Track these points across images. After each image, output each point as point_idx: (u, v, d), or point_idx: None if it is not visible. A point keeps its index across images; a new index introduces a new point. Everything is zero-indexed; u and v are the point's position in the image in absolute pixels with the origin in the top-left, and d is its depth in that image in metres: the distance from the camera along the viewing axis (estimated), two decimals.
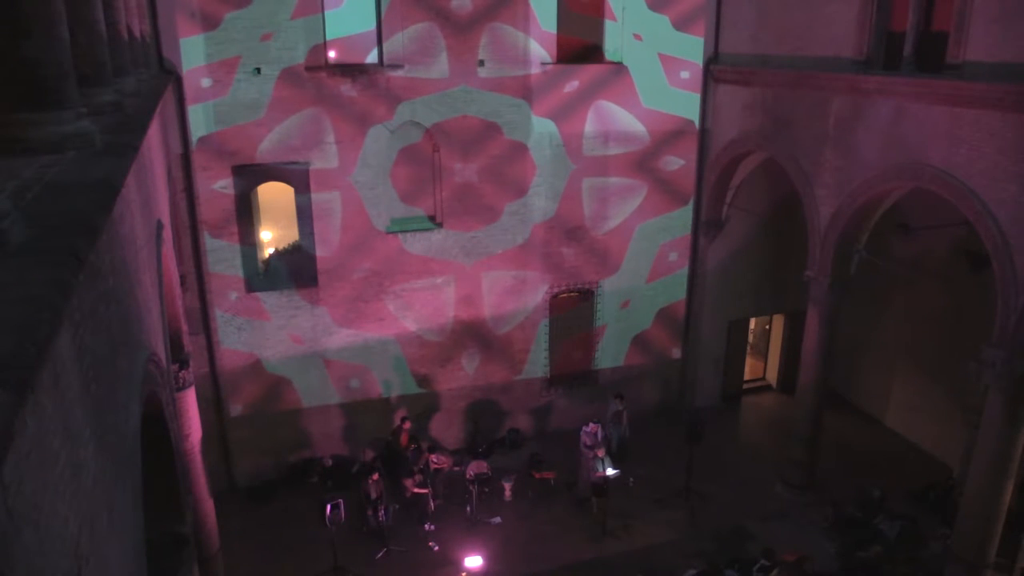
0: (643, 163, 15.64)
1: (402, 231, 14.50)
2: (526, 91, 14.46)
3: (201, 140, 12.84)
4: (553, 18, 14.30)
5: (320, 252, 14.08)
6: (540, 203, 15.22)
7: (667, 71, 15.23)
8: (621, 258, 16.18)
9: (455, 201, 14.65)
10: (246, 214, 13.56)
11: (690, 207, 16.30)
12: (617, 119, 15.20)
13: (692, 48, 15.26)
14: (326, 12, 13.14)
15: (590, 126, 15.08)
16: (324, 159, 13.63)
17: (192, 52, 12.45)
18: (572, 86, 14.73)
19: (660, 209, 16.11)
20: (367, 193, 14.04)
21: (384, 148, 13.98)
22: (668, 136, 15.61)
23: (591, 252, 15.93)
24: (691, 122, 15.65)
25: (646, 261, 16.37)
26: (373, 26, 13.63)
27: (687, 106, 15.57)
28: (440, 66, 13.80)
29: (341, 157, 13.72)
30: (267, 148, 13.25)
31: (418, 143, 14.36)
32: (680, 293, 16.94)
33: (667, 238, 16.38)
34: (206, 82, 12.63)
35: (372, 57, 13.82)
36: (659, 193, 15.99)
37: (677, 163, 15.89)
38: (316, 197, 13.78)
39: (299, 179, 13.66)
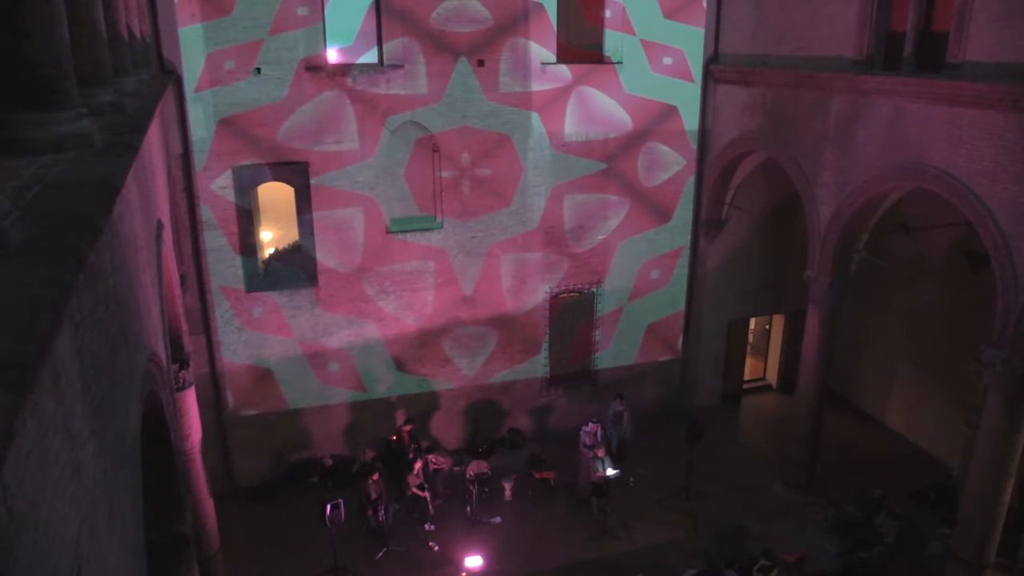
0: (640, 169, 15.64)
1: (402, 231, 14.50)
2: (525, 90, 14.45)
3: (200, 140, 12.85)
4: (553, 21, 14.32)
5: (320, 252, 14.08)
6: (539, 203, 15.22)
7: (664, 66, 15.22)
8: (614, 263, 16.23)
9: (455, 201, 14.65)
10: (246, 214, 13.55)
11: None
12: (614, 117, 15.20)
13: (687, 38, 15.20)
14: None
15: (588, 128, 15.05)
16: (322, 160, 13.62)
17: (192, 46, 12.44)
18: (571, 87, 14.73)
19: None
20: (367, 193, 14.04)
21: (384, 148, 13.98)
22: (665, 135, 15.59)
23: (590, 253, 15.94)
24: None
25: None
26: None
27: (684, 101, 15.54)
28: (440, 65, 13.81)
29: (339, 157, 13.71)
30: (265, 149, 13.25)
31: (418, 143, 14.35)
32: (673, 305, 16.95)
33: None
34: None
35: (372, 57, 13.85)
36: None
37: (678, 162, 15.89)
38: (316, 197, 13.78)
39: (299, 179, 13.66)
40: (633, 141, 15.44)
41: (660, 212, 16.15)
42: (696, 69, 15.44)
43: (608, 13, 14.78)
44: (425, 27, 13.55)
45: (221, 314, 13.83)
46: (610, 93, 15.02)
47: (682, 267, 16.75)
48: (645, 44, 14.98)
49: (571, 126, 14.97)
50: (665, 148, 15.74)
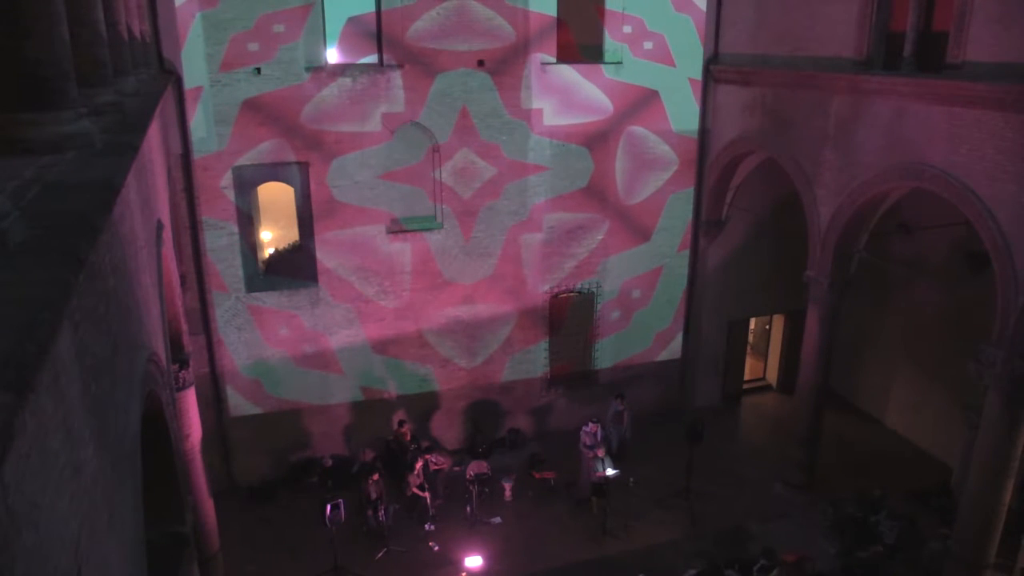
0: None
1: (402, 231, 14.50)
2: (525, 90, 14.45)
3: (200, 140, 12.85)
4: (553, 13, 14.32)
5: (320, 252, 14.08)
6: (539, 204, 15.21)
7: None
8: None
9: (455, 202, 14.64)
10: (246, 214, 13.55)
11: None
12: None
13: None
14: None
15: (576, 116, 14.93)
16: (322, 159, 13.62)
17: (193, 45, 12.45)
18: (573, 88, 14.73)
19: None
20: (367, 193, 14.03)
21: (384, 148, 13.97)
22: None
23: (590, 255, 15.94)
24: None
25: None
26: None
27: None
28: (441, 64, 13.80)
29: (340, 157, 13.70)
30: (266, 150, 13.25)
31: (417, 143, 14.34)
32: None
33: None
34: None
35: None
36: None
37: (668, 158, 15.87)
38: (315, 196, 13.78)
39: (298, 179, 13.66)
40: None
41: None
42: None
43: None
44: (428, 30, 13.57)
45: (221, 314, 13.83)
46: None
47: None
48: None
49: (564, 117, 14.84)
50: (653, 143, 15.52)
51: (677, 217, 16.34)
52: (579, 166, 15.24)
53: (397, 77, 13.62)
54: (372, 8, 13.51)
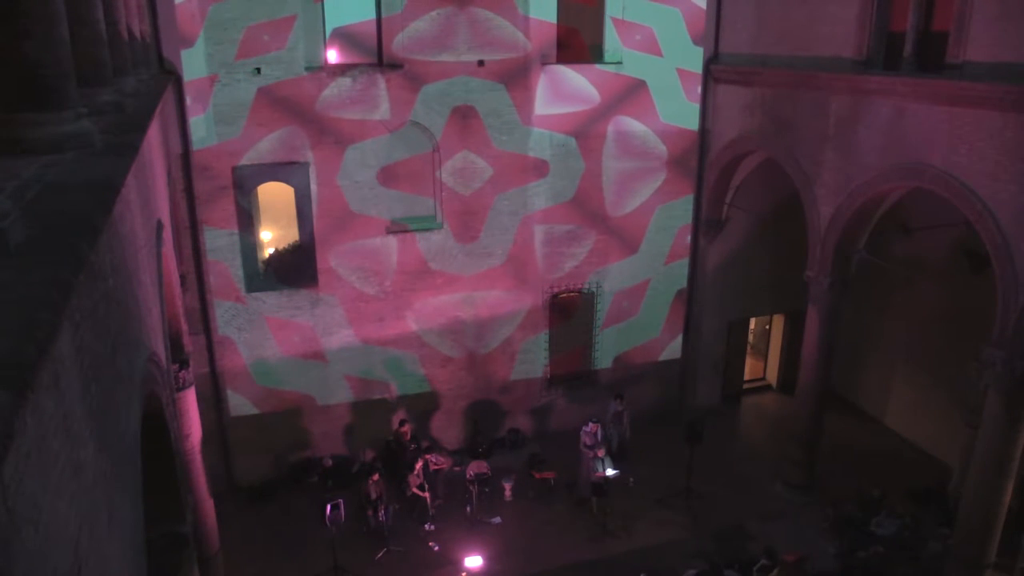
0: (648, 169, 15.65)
1: (403, 232, 14.50)
2: (525, 90, 14.45)
3: (199, 140, 12.85)
4: (553, 13, 14.33)
5: (320, 252, 14.08)
6: (540, 203, 15.21)
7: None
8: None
9: (455, 202, 14.65)
10: (246, 214, 13.55)
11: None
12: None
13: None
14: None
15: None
16: (323, 158, 13.63)
17: (196, 44, 12.46)
18: (571, 86, 14.73)
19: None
20: (367, 193, 14.03)
21: (384, 147, 13.97)
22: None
23: (590, 254, 15.93)
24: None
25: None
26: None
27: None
28: (441, 67, 13.80)
29: (339, 157, 13.70)
30: (266, 150, 13.25)
31: (417, 143, 14.34)
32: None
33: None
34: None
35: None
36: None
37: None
38: (316, 196, 13.78)
39: (299, 179, 13.66)
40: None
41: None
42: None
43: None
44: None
45: (221, 314, 13.83)
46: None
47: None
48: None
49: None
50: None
51: (667, 228, 16.30)
52: (575, 166, 15.22)
53: (397, 78, 13.61)
54: (373, 14, 13.52)
